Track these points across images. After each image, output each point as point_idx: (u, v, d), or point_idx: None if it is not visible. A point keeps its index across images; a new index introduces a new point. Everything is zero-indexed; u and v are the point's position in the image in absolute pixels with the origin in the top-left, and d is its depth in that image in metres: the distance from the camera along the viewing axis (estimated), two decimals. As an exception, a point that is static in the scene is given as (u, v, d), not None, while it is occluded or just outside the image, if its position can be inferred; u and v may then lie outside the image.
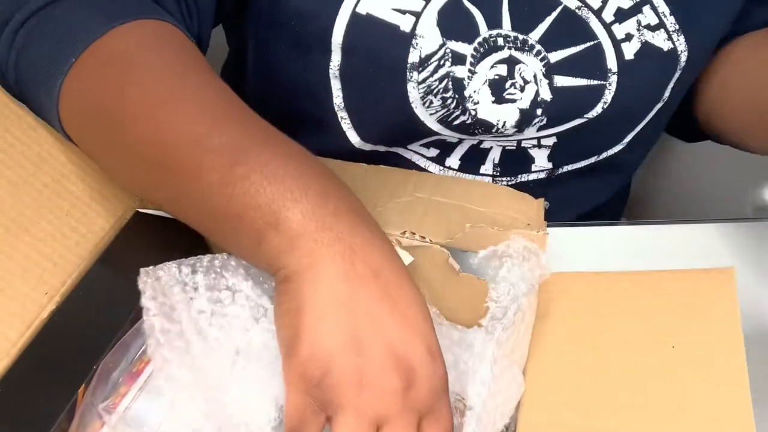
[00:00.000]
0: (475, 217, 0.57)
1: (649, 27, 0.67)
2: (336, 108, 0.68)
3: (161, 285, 0.48)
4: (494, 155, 0.71)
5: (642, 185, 0.99)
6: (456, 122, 0.67)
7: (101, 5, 0.52)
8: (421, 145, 0.71)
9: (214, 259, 0.50)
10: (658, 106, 0.71)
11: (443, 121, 0.67)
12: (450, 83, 0.65)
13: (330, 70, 0.66)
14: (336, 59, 0.65)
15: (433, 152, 0.71)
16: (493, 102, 0.66)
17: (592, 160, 0.74)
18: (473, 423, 0.47)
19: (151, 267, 0.49)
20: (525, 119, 0.67)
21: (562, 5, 0.66)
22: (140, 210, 0.57)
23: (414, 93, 0.65)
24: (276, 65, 0.69)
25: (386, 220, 0.56)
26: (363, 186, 0.60)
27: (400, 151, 0.72)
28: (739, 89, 0.72)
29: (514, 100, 0.66)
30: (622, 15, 0.67)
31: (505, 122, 0.66)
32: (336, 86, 0.66)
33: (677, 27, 0.67)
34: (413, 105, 0.66)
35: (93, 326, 0.50)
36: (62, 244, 0.52)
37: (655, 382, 0.47)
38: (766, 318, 0.66)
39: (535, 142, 0.71)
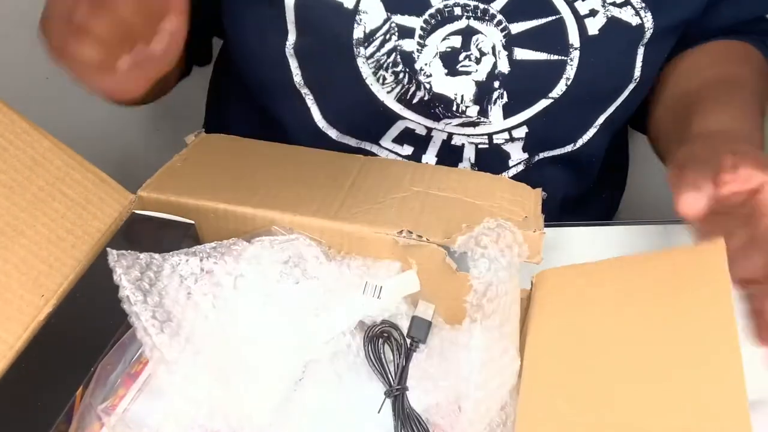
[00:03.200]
0: (472, 212, 0.57)
1: (615, 4, 0.66)
2: (297, 86, 0.69)
3: (140, 264, 0.49)
4: (469, 154, 0.72)
5: (640, 183, 0.99)
6: (415, 100, 0.67)
7: None
8: (393, 142, 0.72)
9: (218, 245, 0.52)
10: (630, 86, 0.70)
11: (402, 99, 0.67)
12: (398, 57, 0.65)
13: (286, 49, 0.67)
14: (292, 38, 0.67)
15: (408, 150, 0.72)
16: (446, 74, 0.66)
17: (568, 149, 0.73)
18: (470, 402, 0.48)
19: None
20: (483, 92, 0.66)
21: None
22: (136, 212, 0.57)
23: (365, 69, 0.66)
24: (245, 45, 0.71)
25: (384, 218, 0.56)
26: (362, 180, 0.60)
27: (375, 149, 0.72)
28: (665, 98, 0.74)
29: (468, 72, 0.66)
30: None
31: (462, 96, 0.66)
32: (294, 64, 0.68)
33: (643, 4, 0.67)
34: (367, 81, 0.67)
35: (90, 328, 0.49)
36: (58, 246, 0.52)
37: (650, 370, 0.47)
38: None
39: (506, 136, 0.70)
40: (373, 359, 0.53)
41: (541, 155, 0.73)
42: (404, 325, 0.54)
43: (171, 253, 0.51)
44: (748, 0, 0.75)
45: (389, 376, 0.53)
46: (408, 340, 0.53)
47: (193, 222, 0.57)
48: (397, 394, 0.52)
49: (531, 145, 0.72)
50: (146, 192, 0.58)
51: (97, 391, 0.47)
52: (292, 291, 0.52)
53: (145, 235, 0.56)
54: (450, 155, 0.72)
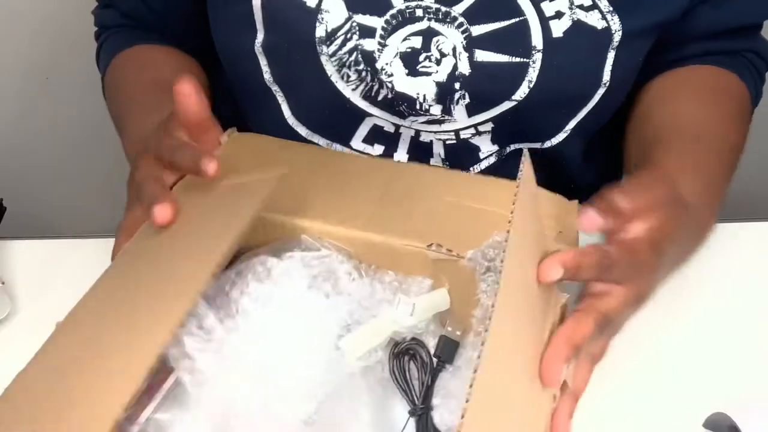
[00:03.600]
0: (505, 225, 0.57)
1: (582, 7, 0.65)
2: (268, 83, 0.71)
3: None
4: (438, 150, 0.72)
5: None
6: (380, 97, 0.68)
7: (124, 35, 0.79)
8: (363, 142, 0.72)
9: (245, 267, 0.52)
10: (600, 91, 0.69)
11: (368, 96, 0.68)
12: (360, 56, 0.66)
13: (256, 47, 0.68)
14: (260, 36, 0.68)
15: (379, 149, 0.73)
16: (407, 74, 0.66)
17: (537, 145, 0.73)
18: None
19: None
20: (444, 93, 0.67)
21: None
22: None
23: (329, 66, 0.67)
24: (221, 43, 0.72)
25: (414, 229, 0.55)
26: (393, 188, 0.59)
27: (346, 150, 0.73)
28: (633, 129, 0.73)
29: (428, 73, 0.66)
30: None
31: (424, 95, 0.67)
32: (263, 62, 0.69)
33: (611, 8, 0.65)
34: (332, 79, 0.67)
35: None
36: None
37: None
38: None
39: (473, 131, 0.71)
40: (398, 376, 0.53)
41: (513, 146, 0.73)
42: (431, 342, 0.54)
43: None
44: (733, 6, 0.72)
45: (413, 394, 0.53)
46: (435, 360, 0.53)
47: None
48: (421, 413, 0.52)
49: (499, 137, 0.72)
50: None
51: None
52: (322, 305, 0.52)
53: None
54: (420, 152, 0.73)
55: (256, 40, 0.68)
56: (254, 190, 0.54)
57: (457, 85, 0.66)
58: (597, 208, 0.49)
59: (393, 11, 0.65)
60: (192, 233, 0.53)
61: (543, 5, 0.65)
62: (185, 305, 0.46)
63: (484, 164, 0.74)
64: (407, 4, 0.65)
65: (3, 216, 0.73)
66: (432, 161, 0.73)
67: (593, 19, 0.66)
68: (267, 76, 0.70)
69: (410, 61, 0.66)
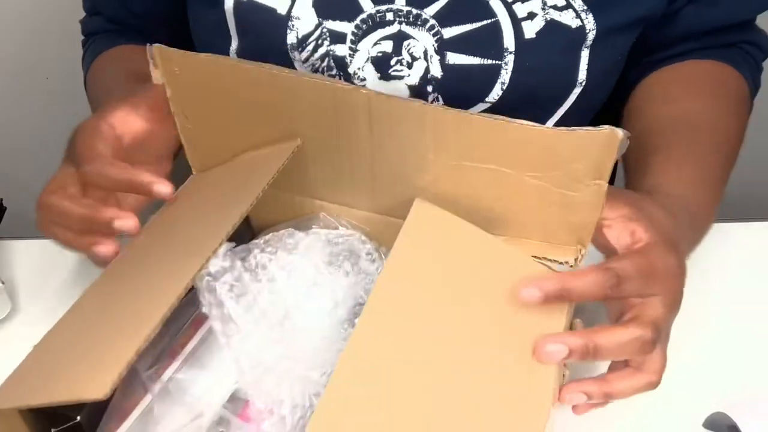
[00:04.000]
0: (518, 193, 0.52)
1: (555, 7, 0.65)
2: None
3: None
4: None
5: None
6: None
7: (108, 38, 0.79)
8: None
9: (272, 238, 0.54)
10: (576, 90, 0.68)
11: None
12: (332, 61, 0.66)
13: (230, 53, 0.69)
14: (234, 43, 0.69)
15: None
16: (379, 78, 0.66)
17: None
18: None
19: None
20: (417, 96, 0.66)
21: None
22: None
23: (303, 72, 0.67)
24: (200, 48, 0.72)
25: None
26: (377, 150, 0.54)
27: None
28: (631, 127, 0.71)
29: (401, 77, 0.66)
30: None
31: None
32: None
33: (585, 7, 0.65)
34: None
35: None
36: None
37: (470, 365, 0.48)
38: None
39: None
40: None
41: None
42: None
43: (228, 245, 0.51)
44: (727, 3, 0.72)
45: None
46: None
47: None
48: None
49: None
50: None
51: (143, 358, 0.48)
52: (342, 282, 0.54)
53: None
54: None
55: (231, 47, 0.69)
56: (266, 162, 0.54)
57: (429, 88, 0.67)
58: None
59: (363, 16, 0.65)
60: (206, 204, 0.55)
61: (515, 6, 0.65)
62: (199, 263, 0.46)
63: None
64: (377, 8, 0.65)
65: (3, 216, 0.73)
66: None
67: (567, 18, 0.65)
68: None
69: (382, 65, 0.66)
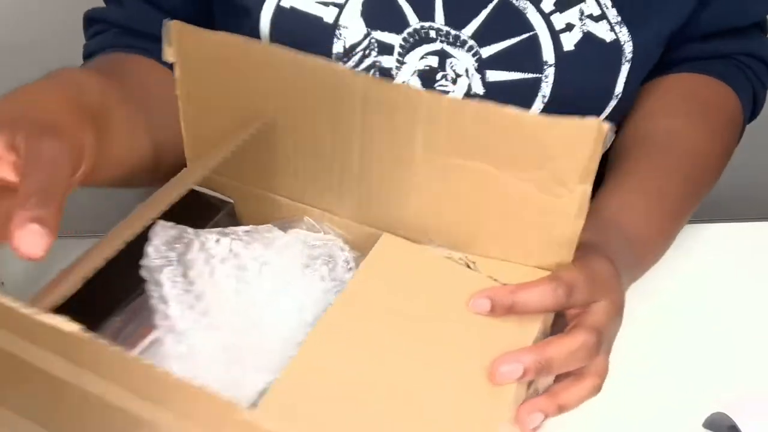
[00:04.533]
0: (505, 200, 0.50)
1: (591, 17, 0.65)
2: None
3: (172, 235, 0.49)
4: None
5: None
6: None
7: (109, 39, 0.73)
8: None
9: (252, 230, 0.52)
10: (612, 103, 0.68)
11: None
12: (377, 73, 0.66)
13: None
14: None
15: None
16: None
17: None
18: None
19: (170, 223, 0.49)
20: None
21: None
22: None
23: None
24: None
25: (405, 218, 0.54)
26: (369, 142, 0.52)
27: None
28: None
29: (446, 92, 0.66)
30: (562, 4, 0.65)
31: None
32: None
33: (619, 19, 0.65)
34: None
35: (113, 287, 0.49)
36: None
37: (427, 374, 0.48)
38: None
39: None
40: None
41: None
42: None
43: (205, 230, 0.51)
44: (721, 7, 0.72)
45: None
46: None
47: (231, 200, 0.58)
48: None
49: None
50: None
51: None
52: (316, 287, 0.53)
53: (187, 207, 0.55)
54: None
55: None
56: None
57: None
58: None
59: (410, 29, 0.65)
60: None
61: (553, 18, 0.65)
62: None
63: None
64: (422, 24, 0.65)
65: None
66: None
67: (602, 31, 0.66)
68: None
69: (428, 79, 0.66)
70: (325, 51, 0.65)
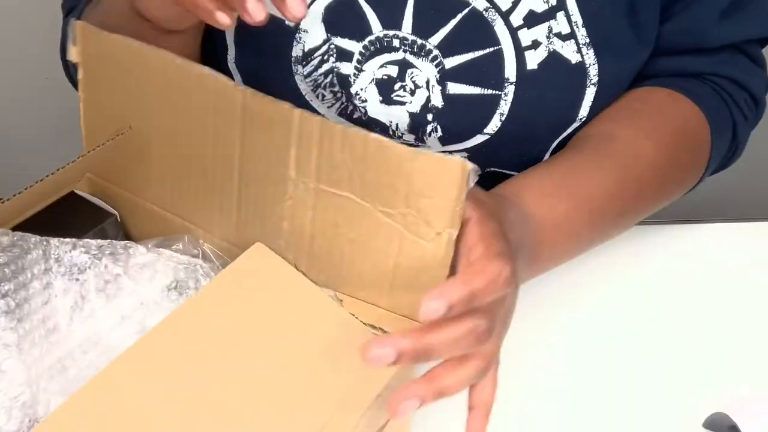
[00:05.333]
0: (367, 236, 0.48)
1: (560, 36, 0.63)
2: None
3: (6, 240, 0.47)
4: None
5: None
6: (354, 117, 0.67)
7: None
8: None
9: (109, 244, 0.50)
10: (575, 125, 0.67)
11: (343, 113, 0.67)
12: (335, 78, 0.65)
13: (228, 63, 0.68)
14: (232, 53, 0.67)
15: None
16: (381, 102, 0.66)
17: (515, 172, 0.67)
18: None
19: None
20: (416, 124, 0.66)
21: (470, 6, 0.63)
22: (75, 191, 0.57)
23: (303, 86, 0.66)
24: (204, 57, 0.69)
25: (277, 243, 0.51)
26: (247, 159, 0.50)
27: None
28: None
29: (402, 103, 0.66)
30: (532, 19, 0.63)
31: (397, 124, 0.66)
32: (237, 78, 0.68)
33: (588, 41, 0.63)
34: (307, 98, 0.67)
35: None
36: None
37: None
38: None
39: (447, 154, 0.69)
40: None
41: (491, 169, 0.71)
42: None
43: (57, 239, 0.49)
44: (687, 26, 0.68)
45: None
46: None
47: (114, 213, 0.57)
48: None
49: (476, 161, 0.70)
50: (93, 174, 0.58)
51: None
52: (164, 308, 0.50)
53: (68, 214, 0.56)
54: None
55: (228, 56, 0.68)
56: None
57: (429, 117, 0.66)
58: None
59: (371, 37, 0.64)
60: None
61: (520, 33, 0.64)
62: None
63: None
64: (385, 32, 0.64)
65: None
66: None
67: (568, 51, 0.64)
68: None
69: (385, 88, 0.65)
70: (284, 54, 0.65)
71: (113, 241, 0.51)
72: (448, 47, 0.64)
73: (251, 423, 0.42)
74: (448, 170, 0.44)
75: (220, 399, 0.42)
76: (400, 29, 0.64)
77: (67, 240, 0.49)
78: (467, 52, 0.64)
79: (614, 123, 0.67)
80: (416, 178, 0.45)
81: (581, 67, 0.64)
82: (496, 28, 0.63)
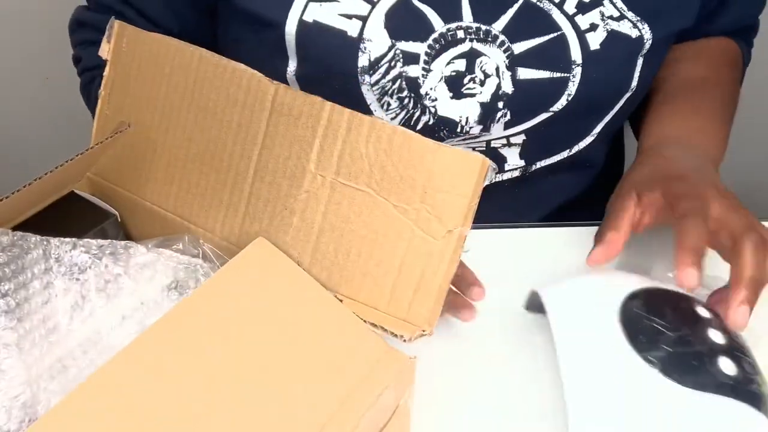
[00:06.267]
0: (379, 232, 0.48)
1: (612, 18, 0.67)
2: None
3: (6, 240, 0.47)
4: None
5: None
6: (419, 126, 0.67)
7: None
8: None
9: (110, 244, 0.50)
10: (627, 95, 0.71)
11: (407, 123, 0.67)
12: (404, 83, 0.66)
13: (288, 75, 0.67)
14: (293, 65, 0.67)
15: None
16: (451, 98, 0.66)
17: (564, 154, 0.73)
18: None
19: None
20: (487, 113, 0.67)
21: None
22: (75, 191, 0.57)
23: (369, 95, 0.66)
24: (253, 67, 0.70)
25: (283, 239, 0.50)
26: (267, 154, 0.51)
27: None
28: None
29: (473, 95, 0.66)
30: (583, 7, 0.67)
31: (467, 118, 0.67)
32: (296, 89, 0.68)
33: (639, 18, 0.68)
34: (372, 108, 0.67)
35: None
36: None
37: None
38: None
39: (504, 141, 0.70)
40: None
41: (538, 164, 0.73)
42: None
43: (57, 239, 0.49)
44: (739, 11, 0.79)
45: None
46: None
47: (115, 213, 0.57)
48: None
49: (528, 152, 0.72)
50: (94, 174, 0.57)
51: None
52: (164, 308, 0.50)
53: (68, 214, 0.56)
54: None
55: (288, 68, 0.67)
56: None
57: (500, 104, 0.67)
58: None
59: (435, 35, 0.65)
60: None
61: (577, 18, 0.66)
62: None
63: (506, 176, 0.74)
64: (448, 26, 0.65)
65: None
66: None
67: (625, 28, 0.67)
68: None
69: (455, 84, 0.66)
70: (350, 65, 0.65)
71: (113, 241, 0.51)
72: (513, 33, 0.66)
73: (250, 422, 0.42)
74: (467, 164, 0.45)
75: (219, 397, 0.42)
76: (461, 20, 0.65)
77: (68, 240, 0.49)
78: (533, 38, 0.66)
79: (698, 65, 0.78)
80: (436, 170, 0.46)
81: (640, 40, 0.68)
82: (554, 16, 0.67)
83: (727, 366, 0.51)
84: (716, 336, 0.52)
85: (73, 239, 0.50)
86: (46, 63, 1.24)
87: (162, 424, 0.41)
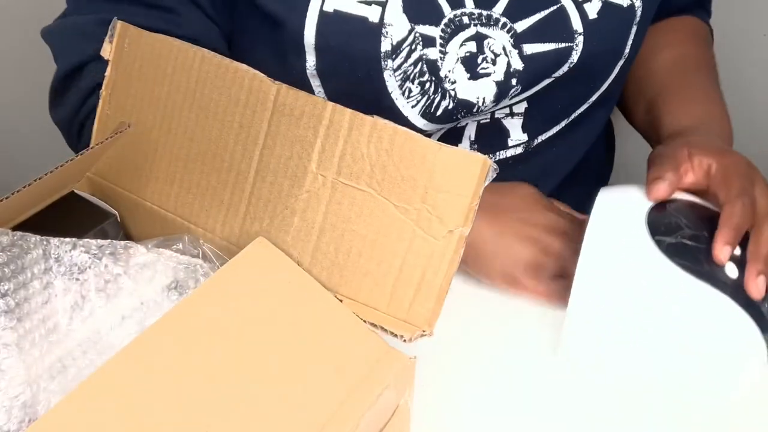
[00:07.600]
0: (379, 231, 0.48)
1: None
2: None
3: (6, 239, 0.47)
4: (470, 132, 0.74)
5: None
6: (439, 112, 0.69)
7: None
8: None
9: (109, 244, 0.50)
10: (621, 62, 0.74)
11: (426, 113, 0.69)
12: (425, 66, 0.67)
13: (307, 71, 0.68)
14: (311, 60, 0.67)
15: None
16: (469, 79, 0.68)
17: (563, 123, 0.76)
18: None
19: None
20: (502, 91, 0.69)
21: None
22: (75, 191, 0.57)
23: (392, 82, 0.67)
24: (263, 68, 0.70)
25: (283, 239, 0.51)
26: (269, 154, 0.51)
27: None
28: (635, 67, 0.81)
29: (488, 74, 0.68)
30: None
31: (484, 98, 0.68)
32: (316, 83, 0.69)
33: None
34: (393, 95, 0.68)
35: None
36: None
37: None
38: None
39: (507, 111, 0.73)
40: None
41: (540, 138, 0.76)
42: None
43: (57, 239, 0.49)
44: None
45: None
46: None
47: (114, 213, 0.57)
48: None
49: (530, 123, 0.74)
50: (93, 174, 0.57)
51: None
52: (164, 308, 0.50)
53: (68, 214, 0.56)
54: (450, 135, 0.74)
55: (307, 64, 0.67)
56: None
57: (513, 81, 0.69)
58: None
59: (445, 20, 0.67)
60: None
61: None
62: None
63: (510, 152, 0.76)
64: (454, 12, 0.67)
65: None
66: (460, 145, 0.74)
67: None
68: (320, 94, 0.70)
69: (470, 64, 0.68)
70: (373, 51, 0.66)
71: (113, 241, 0.51)
72: (513, 12, 0.69)
73: (250, 422, 0.42)
74: (469, 164, 0.45)
75: (219, 397, 0.42)
76: (464, 6, 0.68)
77: (67, 240, 0.49)
78: (534, 14, 0.69)
79: (686, 47, 0.82)
80: (437, 170, 0.46)
81: (632, 9, 0.72)
82: None
83: (731, 270, 0.54)
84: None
85: (73, 239, 0.50)
86: (46, 63, 1.24)
87: (162, 424, 0.41)
